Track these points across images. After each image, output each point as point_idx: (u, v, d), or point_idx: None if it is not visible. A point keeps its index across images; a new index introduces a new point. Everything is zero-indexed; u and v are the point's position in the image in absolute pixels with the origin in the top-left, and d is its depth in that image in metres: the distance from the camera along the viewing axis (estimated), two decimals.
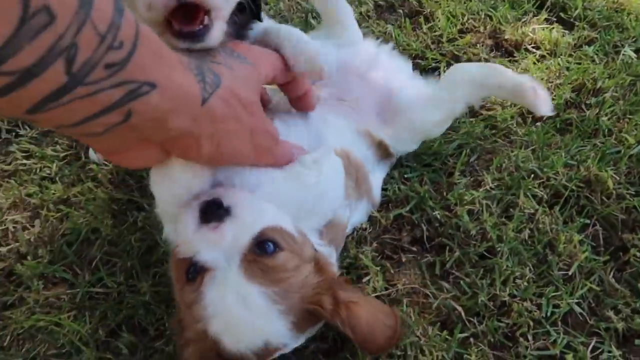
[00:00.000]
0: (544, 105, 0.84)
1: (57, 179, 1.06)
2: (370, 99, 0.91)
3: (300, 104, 0.79)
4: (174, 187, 0.66)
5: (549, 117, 1.06)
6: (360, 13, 1.38)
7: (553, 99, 1.08)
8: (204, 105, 0.53)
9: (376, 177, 0.92)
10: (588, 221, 0.89)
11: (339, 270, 0.81)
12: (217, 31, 0.61)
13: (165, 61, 0.49)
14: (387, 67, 0.99)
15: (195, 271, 0.61)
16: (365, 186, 0.85)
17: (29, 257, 0.93)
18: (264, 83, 0.68)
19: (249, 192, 0.68)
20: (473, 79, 0.87)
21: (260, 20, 0.75)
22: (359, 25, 1.30)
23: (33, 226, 0.99)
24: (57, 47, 0.39)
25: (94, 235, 0.96)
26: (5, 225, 1.00)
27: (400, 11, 1.37)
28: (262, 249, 0.63)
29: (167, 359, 0.79)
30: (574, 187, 0.92)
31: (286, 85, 0.75)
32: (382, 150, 0.90)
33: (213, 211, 0.62)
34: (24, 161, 1.10)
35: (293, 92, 0.77)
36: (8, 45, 0.36)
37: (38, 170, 1.08)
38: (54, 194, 1.03)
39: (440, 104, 0.89)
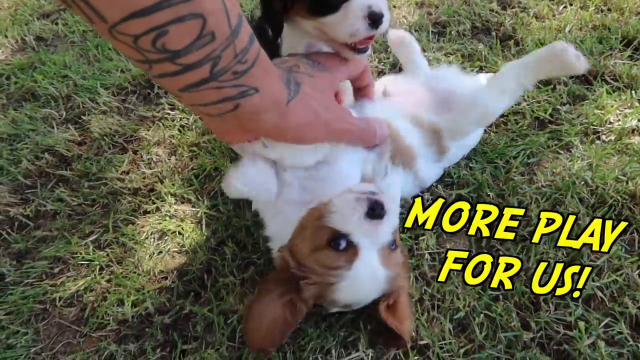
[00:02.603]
0: (579, 59, 0.94)
1: (192, 127, 1.35)
2: (430, 96, 1.09)
3: (362, 93, 1.01)
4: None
5: (611, 140, 1.18)
6: (458, 31, 1.57)
7: (619, 124, 1.20)
8: (287, 105, 0.75)
9: (427, 163, 1.06)
10: (625, 225, 1.02)
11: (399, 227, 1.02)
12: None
13: (269, 74, 0.71)
14: (453, 77, 1.16)
15: (344, 245, 0.80)
16: (402, 157, 1.00)
17: (166, 180, 1.22)
18: (338, 84, 0.89)
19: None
20: (518, 63, 1.02)
21: None
22: (454, 41, 1.50)
23: (170, 160, 1.29)
24: (210, 55, 0.60)
25: (215, 173, 1.23)
26: (150, 155, 1.30)
27: (494, 34, 1.55)
28: (391, 245, 0.84)
29: (258, 268, 1.03)
30: (619, 198, 1.05)
31: (356, 79, 0.97)
32: (435, 135, 1.05)
33: (377, 211, 0.81)
34: (169, 111, 1.41)
35: (358, 84, 0.99)
36: (186, 49, 0.58)
37: (179, 119, 1.38)
38: (188, 138, 1.32)
39: (494, 84, 1.02)
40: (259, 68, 0.67)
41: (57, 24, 1.82)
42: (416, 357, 0.87)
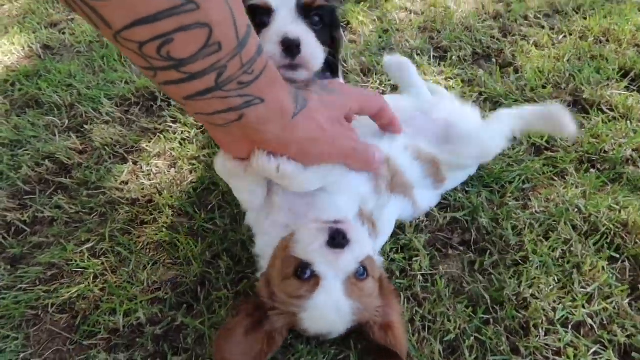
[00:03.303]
0: (570, 125, 1.04)
1: (193, 141, 1.37)
2: (429, 127, 1.10)
3: (388, 129, 1.02)
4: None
5: (605, 168, 1.20)
6: (459, 57, 1.59)
7: (613, 153, 1.22)
8: (293, 119, 0.75)
9: (425, 192, 1.08)
10: (618, 255, 1.03)
11: (393, 248, 1.03)
12: (304, 74, 0.92)
13: (276, 86, 0.72)
14: (452, 108, 1.17)
15: (309, 275, 0.81)
16: (401, 189, 1.02)
17: (165, 192, 1.23)
18: (348, 110, 0.87)
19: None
20: (516, 113, 1.09)
21: (337, 76, 1.08)
22: (455, 66, 1.52)
23: (169, 172, 1.30)
24: (216, 65, 0.61)
25: (213, 187, 1.24)
26: (150, 166, 1.31)
27: (494, 60, 1.58)
28: (359, 274, 0.84)
29: (252, 282, 1.03)
30: (611, 226, 1.06)
31: (374, 116, 0.97)
32: (433, 167, 1.06)
33: (339, 240, 0.81)
34: (171, 124, 1.43)
35: (380, 121, 0.99)
36: (191, 58, 0.60)
37: (180, 132, 1.40)
38: (189, 151, 1.33)
39: (491, 125, 1.09)
40: (265, 79, 0.68)
41: (64, 33, 1.85)
42: None
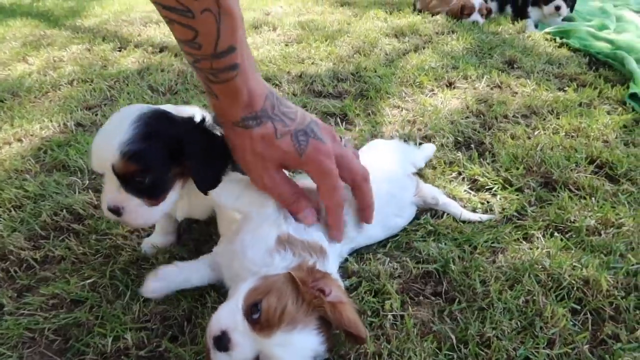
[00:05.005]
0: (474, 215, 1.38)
1: None
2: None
3: (360, 213, 1.18)
4: None
5: (571, 236, 1.30)
6: (442, 143, 1.78)
7: (578, 223, 1.33)
8: (235, 127, 0.97)
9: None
10: (579, 307, 1.09)
11: (367, 291, 1.11)
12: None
13: (230, 97, 0.93)
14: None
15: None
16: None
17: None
18: (282, 164, 1.03)
19: None
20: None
21: None
22: (438, 150, 1.70)
23: None
24: (194, 55, 0.88)
25: (210, 240, 1.35)
26: None
27: (473, 147, 1.75)
28: (254, 317, 0.90)
29: None
30: (573, 282, 1.14)
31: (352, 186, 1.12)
32: None
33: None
34: None
35: (358, 198, 1.15)
36: (182, 41, 0.87)
37: None
38: None
39: None
40: (223, 87, 0.92)
41: (97, 114, 2.11)
42: None
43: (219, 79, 0.87)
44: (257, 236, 1.05)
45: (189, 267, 1.16)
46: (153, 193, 1.04)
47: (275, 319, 0.89)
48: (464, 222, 1.37)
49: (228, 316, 0.92)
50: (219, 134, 1.07)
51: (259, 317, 0.89)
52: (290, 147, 0.99)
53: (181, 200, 1.15)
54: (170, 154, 1.01)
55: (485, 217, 1.39)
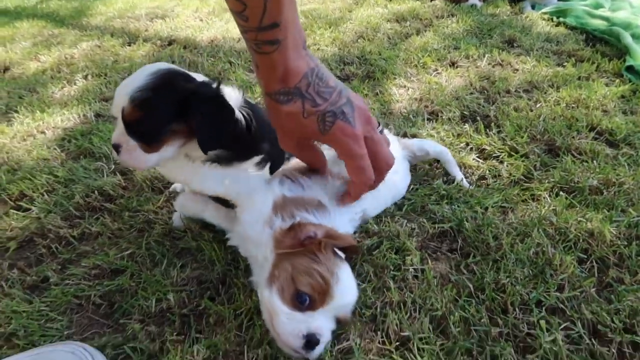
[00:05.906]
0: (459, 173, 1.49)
1: None
2: None
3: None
4: None
5: (575, 195, 1.39)
6: (448, 117, 1.86)
7: (581, 183, 1.41)
8: (269, 99, 1.02)
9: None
10: (585, 257, 1.18)
11: (389, 248, 1.20)
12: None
13: (267, 69, 0.98)
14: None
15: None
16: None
17: None
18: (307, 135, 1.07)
19: None
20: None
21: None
22: (445, 124, 1.78)
23: None
24: (243, 26, 0.91)
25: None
26: None
27: (479, 119, 1.83)
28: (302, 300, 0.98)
29: None
30: (579, 234, 1.22)
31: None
32: None
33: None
34: None
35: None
36: (234, 12, 0.90)
37: None
38: None
39: None
40: (263, 57, 0.96)
41: None
42: (398, 349, 1.00)
43: (261, 50, 0.94)
44: (253, 211, 1.16)
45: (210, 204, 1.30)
46: (147, 140, 1.10)
47: (322, 286, 0.97)
48: (448, 174, 1.53)
49: (292, 326, 0.95)
50: (231, 104, 1.13)
51: (310, 300, 0.97)
52: (314, 126, 1.03)
53: (175, 161, 1.19)
54: (176, 109, 1.07)
55: (465, 184, 1.48)
